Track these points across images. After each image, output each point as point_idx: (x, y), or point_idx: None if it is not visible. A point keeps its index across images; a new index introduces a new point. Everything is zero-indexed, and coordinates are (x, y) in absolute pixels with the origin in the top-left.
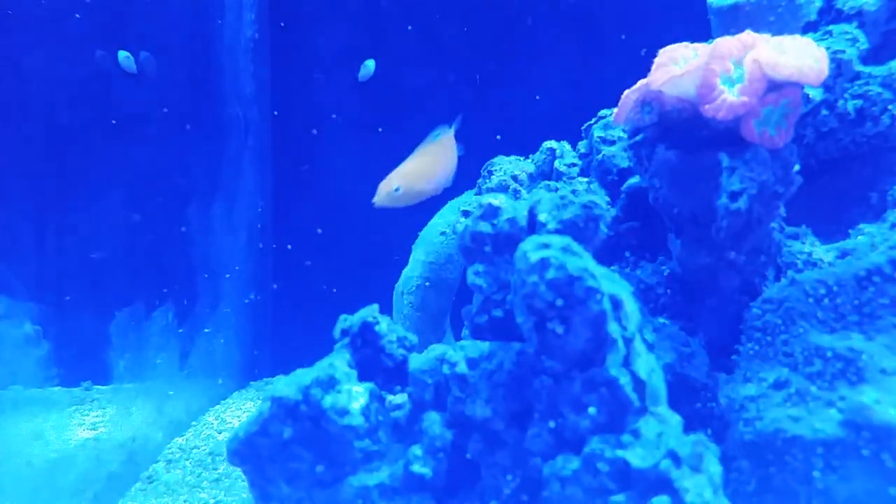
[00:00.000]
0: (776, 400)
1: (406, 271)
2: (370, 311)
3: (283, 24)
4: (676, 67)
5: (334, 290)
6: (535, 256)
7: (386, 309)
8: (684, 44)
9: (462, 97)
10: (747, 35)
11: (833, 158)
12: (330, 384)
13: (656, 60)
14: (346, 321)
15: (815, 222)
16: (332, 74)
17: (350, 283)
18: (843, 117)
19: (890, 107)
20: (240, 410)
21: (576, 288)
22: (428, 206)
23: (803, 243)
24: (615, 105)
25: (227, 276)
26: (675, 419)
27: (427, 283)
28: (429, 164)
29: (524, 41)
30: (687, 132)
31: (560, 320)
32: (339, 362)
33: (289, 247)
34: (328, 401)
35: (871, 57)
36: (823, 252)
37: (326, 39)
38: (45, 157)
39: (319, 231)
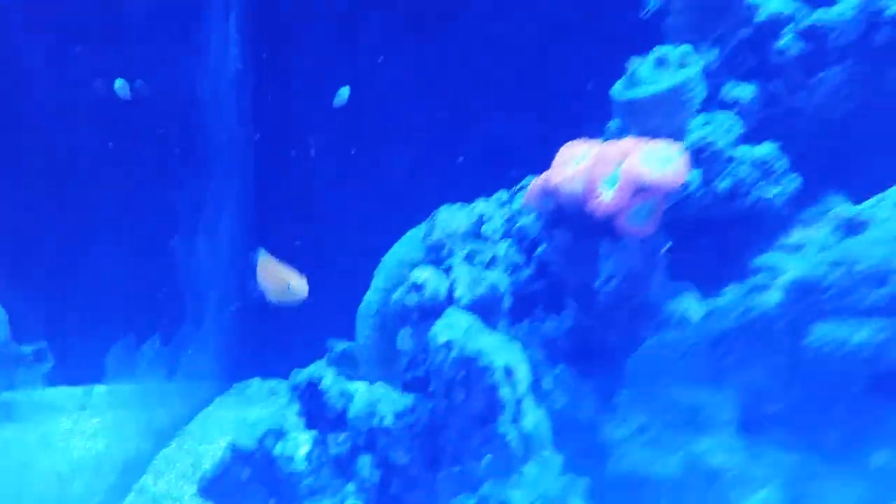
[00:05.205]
0: (638, 443)
1: (367, 296)
2: (317, 368)
3: (264, 56)
4: (570, 168)
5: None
6: (442, 338)
7: None
8: (583, 140)
9: (439, 124)
10: (627, 142)
11: (712, 225)
12: (280, 434)
13: (557, 158)
14: (297, 376)
15: (699, 277)
16: (314, 102)
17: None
18: (716, 196)
19: (757, 185)
20: (220, 420)
21: (473, 365)
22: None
23: (680, 301)
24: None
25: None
26: (557, 460)
27: (385, 309)
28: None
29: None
30: (578, 219)
31: (462, 388)
32: (289, 413)
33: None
34: (279, 448)
35: (746, 140)
36: (696, 309)
37: (307, 67)
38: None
39: (297, 243)
